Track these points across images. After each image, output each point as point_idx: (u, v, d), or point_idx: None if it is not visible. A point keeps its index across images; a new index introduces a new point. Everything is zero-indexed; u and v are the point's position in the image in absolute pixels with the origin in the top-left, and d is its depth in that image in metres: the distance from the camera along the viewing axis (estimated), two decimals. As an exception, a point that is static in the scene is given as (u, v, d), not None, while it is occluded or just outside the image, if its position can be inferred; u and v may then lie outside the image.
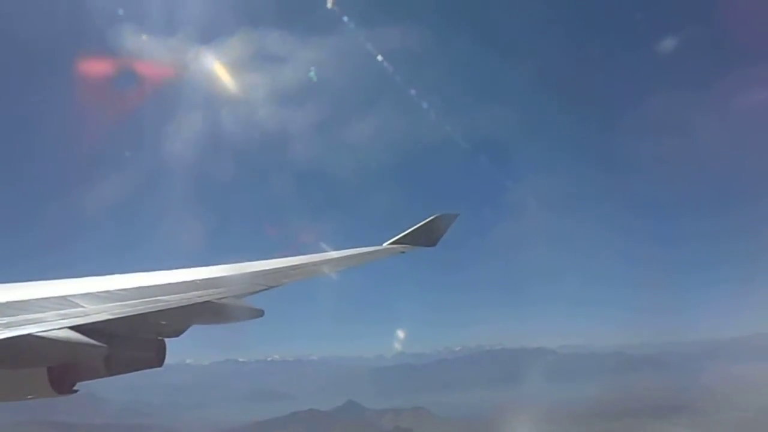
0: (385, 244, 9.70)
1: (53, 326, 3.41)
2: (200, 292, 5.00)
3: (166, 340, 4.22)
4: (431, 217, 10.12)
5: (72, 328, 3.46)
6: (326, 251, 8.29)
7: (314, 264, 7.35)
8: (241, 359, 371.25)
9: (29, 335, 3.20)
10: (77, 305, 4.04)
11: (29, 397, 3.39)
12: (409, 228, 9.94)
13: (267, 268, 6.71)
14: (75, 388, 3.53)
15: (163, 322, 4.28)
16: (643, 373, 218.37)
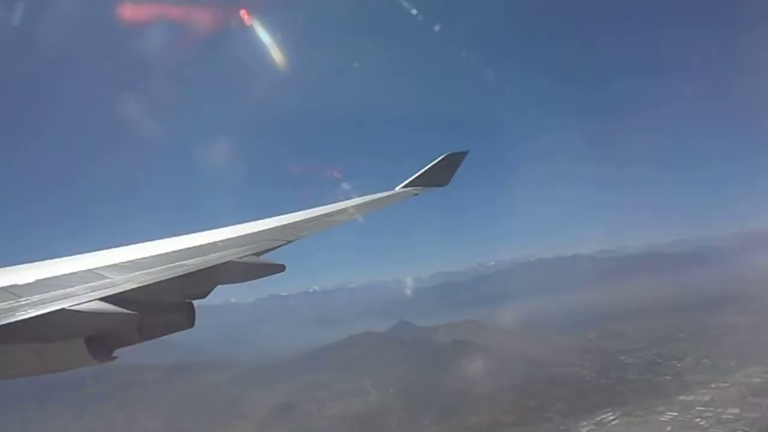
0: (397, 188, 9.69)
1: (84, 299, 3.55)
2: (221, 253, 5.11)
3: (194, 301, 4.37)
4: (441, 157, 9.96)
5: (102, 299, 3.60)
6: (343, 199, 8.35)
7: (329, 215, 7.44)
8: (283, 293, 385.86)
9: (63, 309, 3.34)
10: (104, 277, 4.20)
11: (73, 367, 3.59)
12: (421, 169, 9.86)
13: (284, 223, 6.86)
14: (113, 355, 3.73)
15: (189, 286, 4.38)
16: (683, 269, 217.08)
